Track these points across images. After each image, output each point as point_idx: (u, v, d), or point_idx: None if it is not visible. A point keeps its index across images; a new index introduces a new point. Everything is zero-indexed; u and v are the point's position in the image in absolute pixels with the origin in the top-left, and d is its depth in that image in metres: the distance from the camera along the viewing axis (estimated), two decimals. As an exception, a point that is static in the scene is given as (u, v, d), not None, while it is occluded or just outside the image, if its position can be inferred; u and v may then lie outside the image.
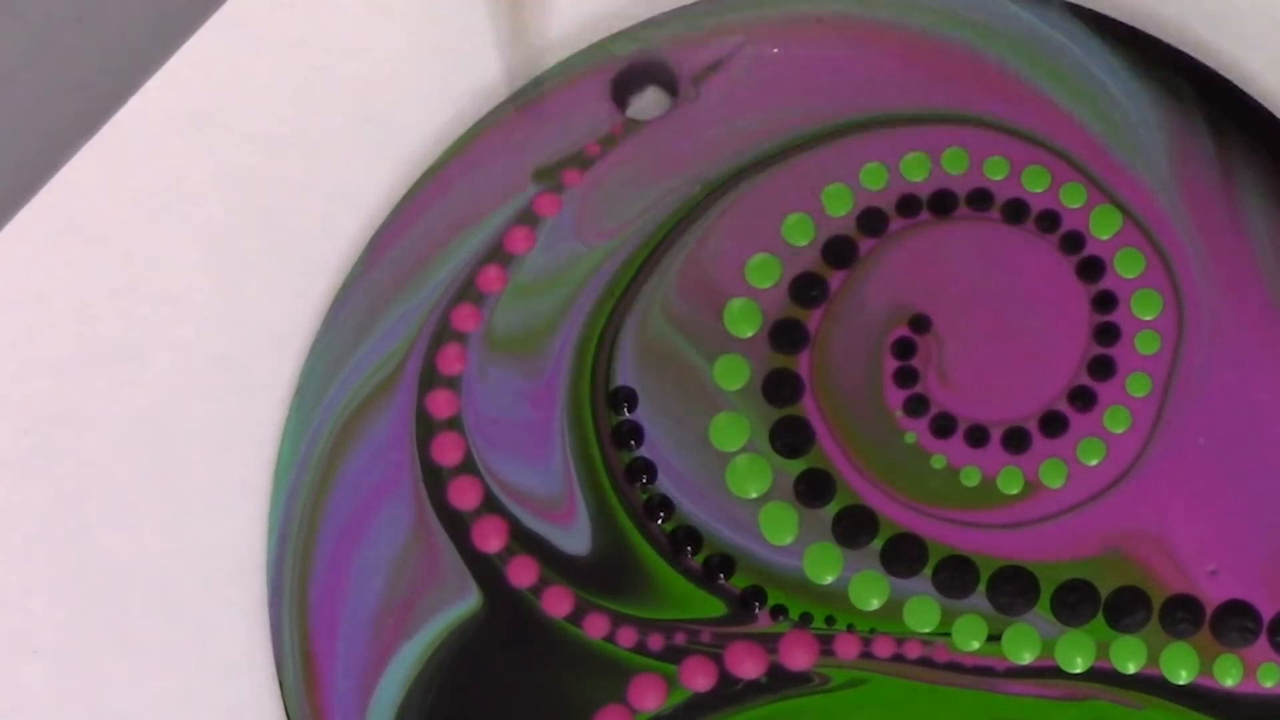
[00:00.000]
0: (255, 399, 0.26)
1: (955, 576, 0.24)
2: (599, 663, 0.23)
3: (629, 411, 0.25)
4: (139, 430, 0.26)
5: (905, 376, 0.25)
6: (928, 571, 0.24)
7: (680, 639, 0.24)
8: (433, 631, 0.24)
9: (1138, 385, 0.25)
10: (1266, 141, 0.25)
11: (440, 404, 0.25)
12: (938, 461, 0.24)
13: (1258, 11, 0.27)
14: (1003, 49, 0.26)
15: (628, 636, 0.24)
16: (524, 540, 0.24)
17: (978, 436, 0.24)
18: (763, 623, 0.24)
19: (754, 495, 0.24)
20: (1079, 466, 0.24)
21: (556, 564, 0.24)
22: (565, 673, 0.23)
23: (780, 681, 0.23)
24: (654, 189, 0.26)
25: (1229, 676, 0.23)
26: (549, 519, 0.24)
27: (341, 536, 0.24)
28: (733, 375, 0.25)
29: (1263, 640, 0.23)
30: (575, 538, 0.24)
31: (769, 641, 0.24)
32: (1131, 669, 0.23)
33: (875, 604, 0.24)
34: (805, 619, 0.24)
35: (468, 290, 0.25)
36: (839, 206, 0.26)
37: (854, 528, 0.24)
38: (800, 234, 0.26)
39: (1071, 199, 0.26)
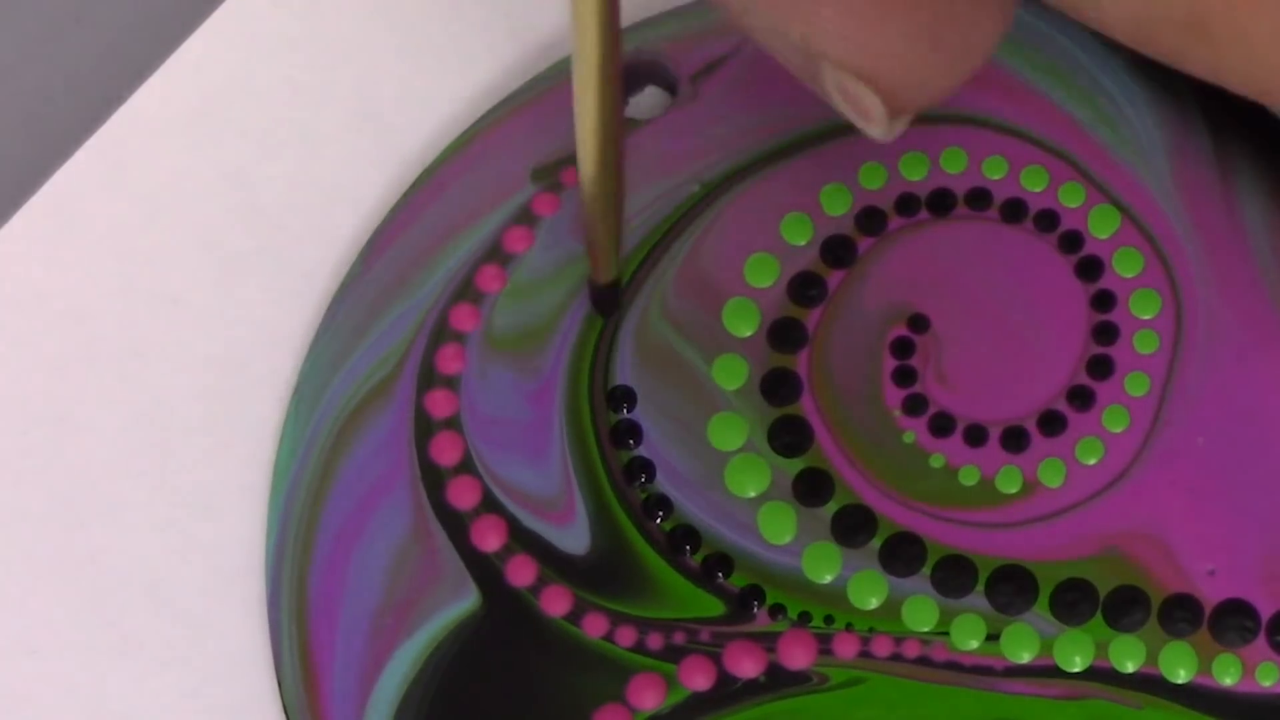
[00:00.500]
0: (253, 398, 0.26)
1: (954, 576, 0.24)
2: (598, 662, 0.23)
3: (628, 411, 0.25)
4: (137, 430, 0.26)
5: (904, 376, 0.25)
6: (926, 571, 0.24)
7: (679, 638, 0.24)
8: (431, 631, 0.24)
9: (1136, 385, 0.25)
10: (1266, 141, 0.25)
11: (439, 403, 0.25)
12: (936, 461, 0.24)
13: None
14: (1002, 48, 0.26)
15: (626, 636, 0.24)
16: (523, 539, 0.24)
17: (976, 436, 0.24)
18: (761, 622, 0.24)
19: (752, 494, 0.24)
20: (1078, 466, 0.24)
21: (555, 563, 0.24)
22: (564, 672, 0.23)
23: (779, 680, 0.23)
24: (652, 188, 0.26)
25: (1227, 675, 0.23)
26: (548, 518, 0.24)
27: (340, 536, 0.24)
28: (731, 374, 0.25)
29: (1261, 639, 0.23)
30: (574, 537, 0.24)
31: (767, 641, 0.24)
32: (1130, 668, 0.23)
33: (874, 603, 0.24)
34: (804, 618, 0.24)
35: (466, 290, 0.26)
36: (837, 206, 0.26)
37: (853, 527, 0.24)
38: (799, 233, 0.26)
39: (1070, 198, 0.26)
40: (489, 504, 0.24)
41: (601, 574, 0.24)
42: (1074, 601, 0.23)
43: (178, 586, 0.25)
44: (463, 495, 0.24)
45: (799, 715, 0.23)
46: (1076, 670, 0.23)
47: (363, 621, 0.24)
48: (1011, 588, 0.24)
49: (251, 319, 0.26)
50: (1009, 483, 0.24)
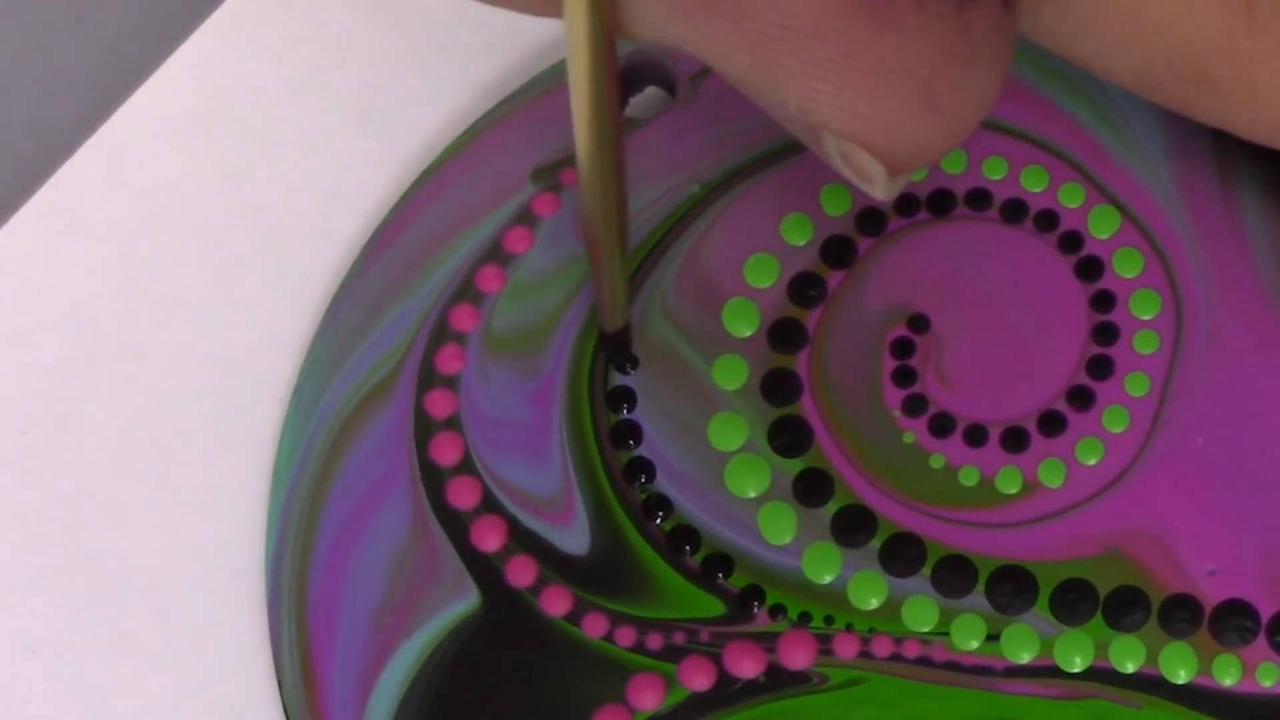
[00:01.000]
0: (253, 398, 0.26)
1: (954, 576, 0.24)
2: (597, 662, 0.23)
3: (627, 411, 0.25)
4: (137, 430, 0.26)
5: (904, 376, 0.25)
6: (926, 571, 0.24)
7: (679, 638, 0.24)
8: (431, 631, 0.24)
9: (1136, 385, 0.25)
10: (1265, 141, 0.25)
11: (439, 404, 0.25)
12: (936, 461, 0.24)
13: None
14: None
15: (626, 636, 0.24)
16: (523, 540, 0.24)
17: (976, 436, 0.24)
18: (761, 622, 0.24)
19: (752, 495, 0.24)
20: (1078, 466, 0.24)
21: (555, 563, 0.24)
22: (564, 672, 0.23)
23: (779, 681, 0.23)
24: (652, 188, 0.26)
25: (1228, 676, 0.23)
26: (548, 518, 0.24)
27: (340, 536, 0.24)
28: (731, 375, 0.25)
29: (1261, 640, 0.23)
30: (574, 537, 0.24)
31: (767, 641, 0.24)
32: (1130, 668, 0.23)
33: (874, 603, 0.24)
34: (804, 618, 0.24)
35: (466, 290, 0.26)
36: (837, 206, 0.26)
37: (853, 527, 0.24)
38: (798, 233, 0.26)
39: (1070, 199, 0.26)
40: (489, 504, 0.24)
41: (601, 574, 0.24)
42: (1074, 602, 0.23)
43: (177, 586, 0.25)
44: (463, 495, 0.24)
45: (799, 715, 0.23)
46: (1076, 671, 0.23)
47: (363, 622, 0.24)
48: (1011, 588, 0.24)
49: (251, 319, 0.26)
50: (1009, 483, 0.24)
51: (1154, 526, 0.24)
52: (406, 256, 0.26)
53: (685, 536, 0.24)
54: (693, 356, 0.25)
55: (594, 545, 0.24)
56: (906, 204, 0.26)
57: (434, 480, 0.24)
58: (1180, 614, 0.23)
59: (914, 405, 0.25)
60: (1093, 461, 0.24)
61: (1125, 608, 0.23)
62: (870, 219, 0.26)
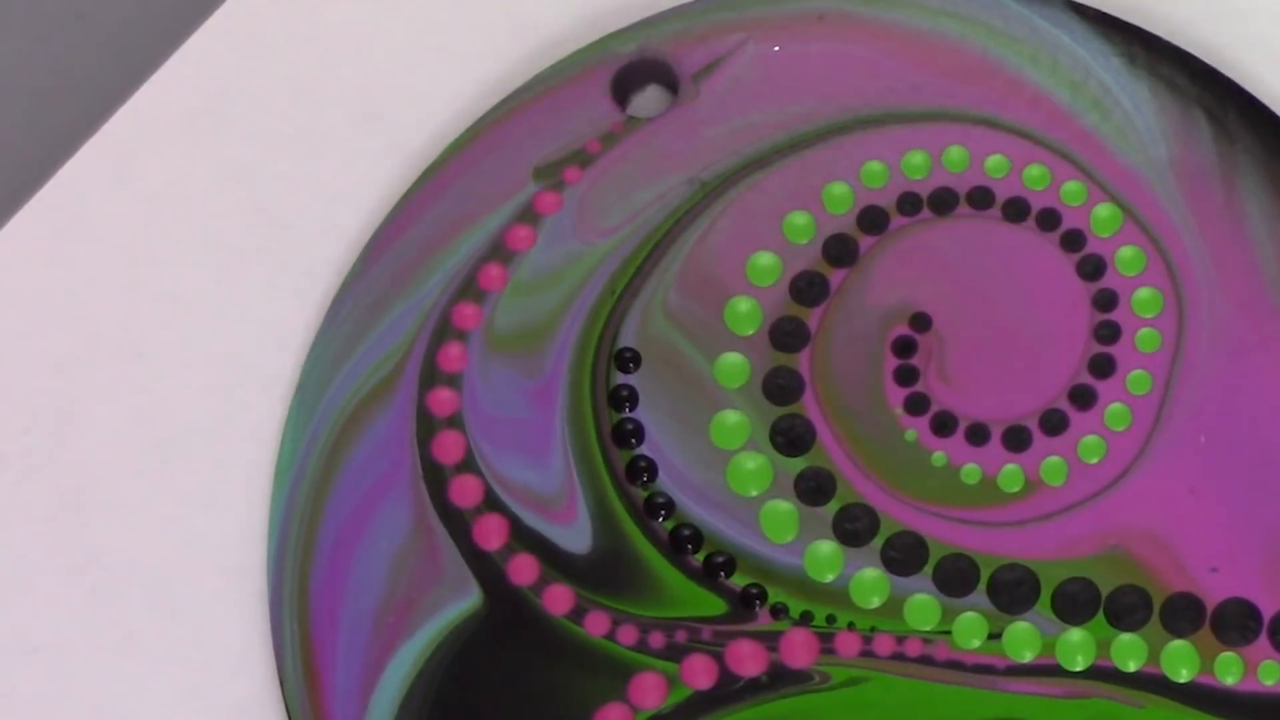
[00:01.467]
0: (255, 397, 0.26)
1: (956, 575, 0.24)
2: (600, 661, 0.23)
3: (630, 410, 0.25)
4: (139, 428, 0.26)
5: (906, 375, 0.25)
6: (928, 570, 0.24)
7: (681, 637, 0.24)
8: (433, 630, 0.24)
9: (1138, 384, 0.25)
10: (1267, 139, 0.25)
11: (441, 402, 0.25)
12: (938, 459, 0.24)
13: (1259, 9, 0.27)
14: (1004, 47, 0.26)
15: (628, 635, 0.24)
16: (524, 538, 0.24)
17: (978, 434, 0.24)
18: (763, 621, 0.24)
19: (754, 493, 0.24)
20: (1080, 465, 0.24)
21: (557, 562, 0.24)
22: (566, 671, 0.23)
23: (781, 680, 0.23)
24: (655, 187, 0.26)
25: (1229, 674, 0.23)
26: (549, 517, 0.24)
27: (342, 534, 0.24)
28: (733, 374, 0.25)
29: (1263, 638, 0.23)
30: (576, 536, 0.24)
31: (769, 640, 0.24)
32: (1132, 667, 0.23)
33: (876, 602, 0.24)
34: (806, 617, 0.24)
35: (468, 288, 0.25)
36: (839, 205, 0.26)
37: (854, 526, 0.24)
38: (801, 232, 0.26)
39: (1072, 197, 0.26)
40: (491, 503, 0.24)
41: (603, 573, 0.24)
42: (1076, 600, 0.23)
43: (179, 585, 0.25)
44: (464, 494, 0.24)
45: (801, 714, 0.23)
46: (1078, 669, 0.23)
47: (364, 620, 0.24)
48: (1013, 586, 0.24)
49: (253, 317, 0.26)
50: (1011, 482, 0.24)
51: (1156, 525, 0.24)
52: (408, 255, 0.26)
53: (687, 535, 0.24)
54: (695, 355, 0.25)
55: (596, 544, 0.24)
56: (908, 202, 0.26)
57: (436, 479, 0.24)
58: (1182, 613, 0.23)
59: (916, 404, 0.25)
60: (1094, 460, 0.24)
61: (1127, 606, 0.23)
62: (872, 217, 0.26)
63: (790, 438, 0.25)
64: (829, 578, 0.24)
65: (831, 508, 0.24)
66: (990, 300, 0.25)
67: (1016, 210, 0.26)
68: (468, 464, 0.25)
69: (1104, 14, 0.26)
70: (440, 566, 0.24)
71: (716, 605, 0.24)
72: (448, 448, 0.25)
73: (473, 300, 0.25)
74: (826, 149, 0.26)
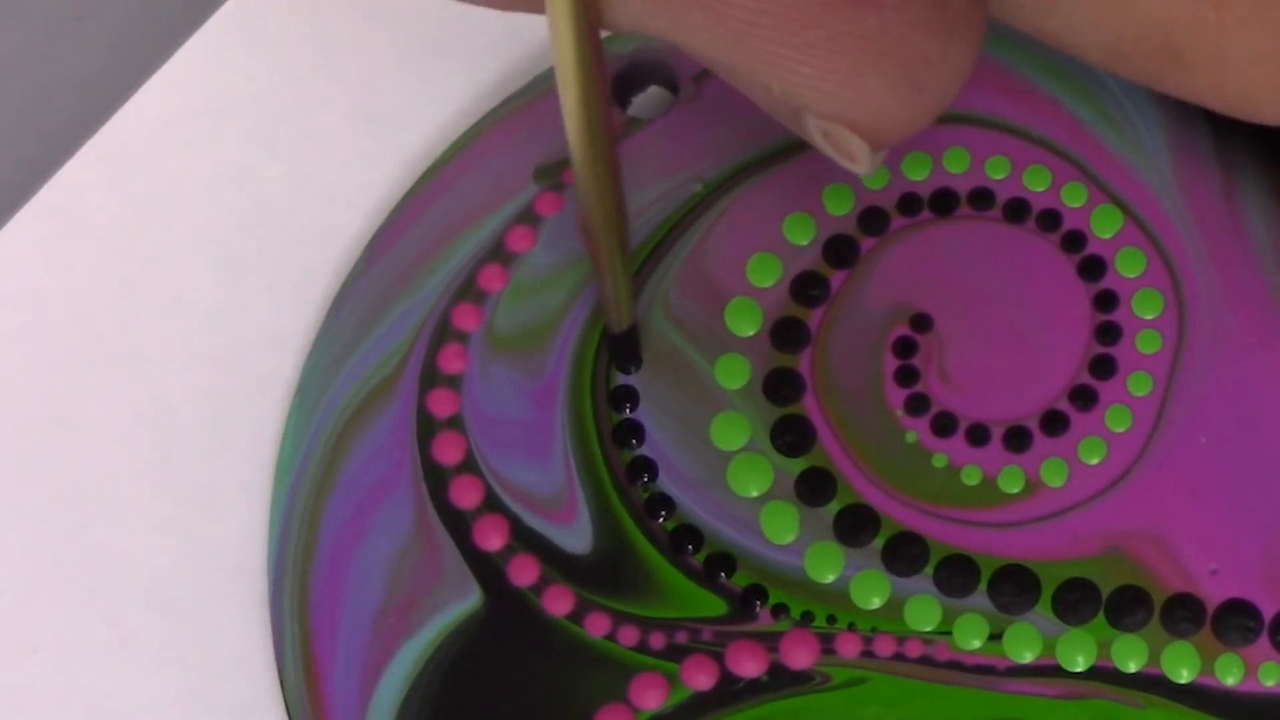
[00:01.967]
0: (255, 398, 0.26)
1: (956, 575, 0.24)
2: (600, 661, 0.23)
3: (630, 410, 0.25)
4: (138, 429, 0.26)
5: (906, 375, 0.25)
6: (929, 570, 0.24)
7: (681, 638, 0.24)
8: (433, 630, 0.24)
9: (1139, 384, 0.25)
10: (1268, 139, 0.26)
11: (441, 403, 0.25)
12: (939, 460, 0.24)
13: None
14: (1004, 48, 0.26)
15: (629, 635, 0.24)
16: (525, 539, 0.24)
17: (979, 435, 0.24)
18: (764, 621, 0.24)
19: (755, 494, 0.24)
20: (1080, 465, 0.24)
21: (557, 563, 0.24)
22: (566, 671, 0.23)
23: (781, 680, 0.23)
24: (655, 187, 0.26)
25: (1230, 675, 0.23)
26: (550, 518, 0.24)
27: (342, 535, 0.24)
28: (734, 374, 0.25)
29: (1264, 639, 0.23)
30: (576, 536, 0.24)
31: (770, 640, 0.24)
32: (1133, 668, 0.23)
33: (876, 603, 0.24)
34: (806, 618, 0.24)
35: (468, 289, 0.25)
36: (840, 205, 0.26)
37: (855, 527, 0.24)
38: (801, 233, 0.26)
39: (1072, 198, 0.26)
40: (491, 503, 0.24)
41: (604, 573, 0.24)
42: (1076, 601, 0.23)
43: (179, 586, 0.25)
44: (465, 495, 0.24)
45: (801, 715, 0.23)
46: (1079, 670, 0.23)
47: (365, 621, 0.24)
48: (1014, 587, 0.24)
49: (253, 318, 0.26)
50: (1011, 482, 0.24)
51: (1156, 526, 0.24)
52: (408, 256, 0.26)
53: (687, 536, 0.24)
54: (695, 356, 0.25)
55: (596, 544, 0.24)
56: (909, 203, 0.26)
57: (436, 479, 0.24)
58: (1182, 613, 0.23)
59: (916, 405, 0.25)
60: (1095, 461, 0.24)
61: (1127, 607, 0.23)
62: (873, 218, 0.26)
63: (791, 438, 0.25)
64: (829, 578, 0.24)
65: (832, 508, 0.24)
66: (991, 301, 0.25)
67: (1017, 211, 0.26)
68: (468, 465, 0.25)
69: (1104, 15, 0.27)
70: (441, 567, 0.24)
71: (717, 606, 0.24)
72: (448, 448, 0.25)
73: (473, 301, 0.25)
74: (827, 150, 0.26)
